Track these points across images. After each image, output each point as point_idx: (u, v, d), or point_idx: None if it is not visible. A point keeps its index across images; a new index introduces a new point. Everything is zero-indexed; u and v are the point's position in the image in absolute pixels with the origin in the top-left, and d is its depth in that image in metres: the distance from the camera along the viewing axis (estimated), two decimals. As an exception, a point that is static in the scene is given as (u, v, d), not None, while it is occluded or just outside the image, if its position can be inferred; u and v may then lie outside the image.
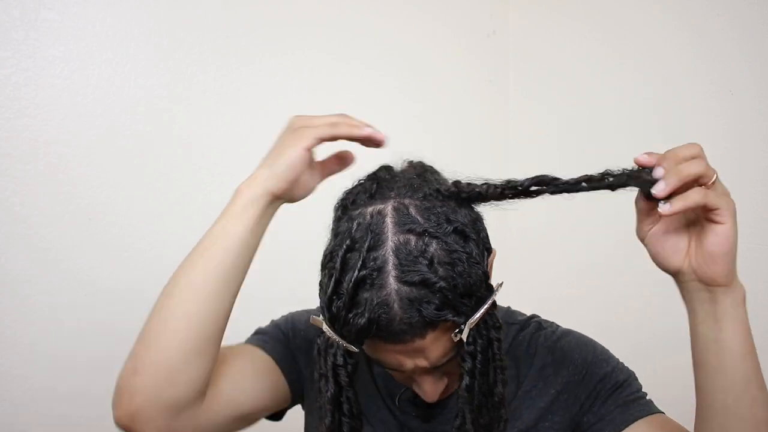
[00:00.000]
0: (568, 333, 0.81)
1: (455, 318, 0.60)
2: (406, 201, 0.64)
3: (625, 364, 0.79)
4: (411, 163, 0.73)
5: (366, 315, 0.60)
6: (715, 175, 0.60)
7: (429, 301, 0.59)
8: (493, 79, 1.68)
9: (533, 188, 0.66)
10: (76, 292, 1.15)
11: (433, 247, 0.61)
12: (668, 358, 1.37)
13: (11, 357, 1.10)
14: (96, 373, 1.18)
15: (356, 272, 0.60)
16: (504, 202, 0.66)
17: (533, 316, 0.84)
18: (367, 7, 1.46)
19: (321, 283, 0.65)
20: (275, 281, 1.28)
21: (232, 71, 1.29)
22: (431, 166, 0.72)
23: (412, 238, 0.61)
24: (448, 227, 0.62)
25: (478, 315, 0.61)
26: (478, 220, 0.66)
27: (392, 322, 0.59)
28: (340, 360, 0.64)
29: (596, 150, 1.53)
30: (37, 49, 1.10)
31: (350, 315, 0.61)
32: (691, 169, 0.60)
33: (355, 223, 0.64)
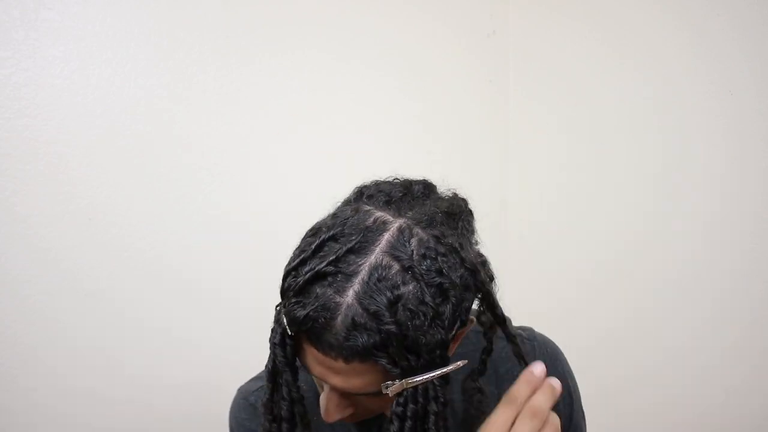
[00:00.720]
0: (554, 357, 0.80)
1: (388, 366, 0.56)
2: (416, 230, 0.60)
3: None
4: (454, 197, 0.68)
5: (307, 309, 0.57)
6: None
7: (370, 335, 0.55)
8: (493, 79, 1.68)
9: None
10: (76, 292, 1.15)
11: (408, 288, 0.56)
12: (668, 364, 1.37)
13: (11, 357, 1.10)
14: (96, 373, 1.18)
15: (324, 264, 0.57)
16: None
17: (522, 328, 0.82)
18: (367, 7, 1.46)
19: (294, 250, 0.62)
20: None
21: (232, 71, 1.29)
22: (470, 214, 0.68)
23: (395, 267, 0.57)
24: (435, 279, 0.57)
25: (417, 379, 0.57)
26: (467, 290, 0.61)
27: (327, 331, 0.56)
28: (278, 338, 0.61)
29: (596, 150, 1.53)
30: (37, 49, 1.10)
31: (294, 300, 0.58)
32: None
33: (355, 218, 0.60)
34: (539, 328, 0.85)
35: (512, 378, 0.73)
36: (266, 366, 0.64)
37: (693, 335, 1.33)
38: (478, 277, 0.61)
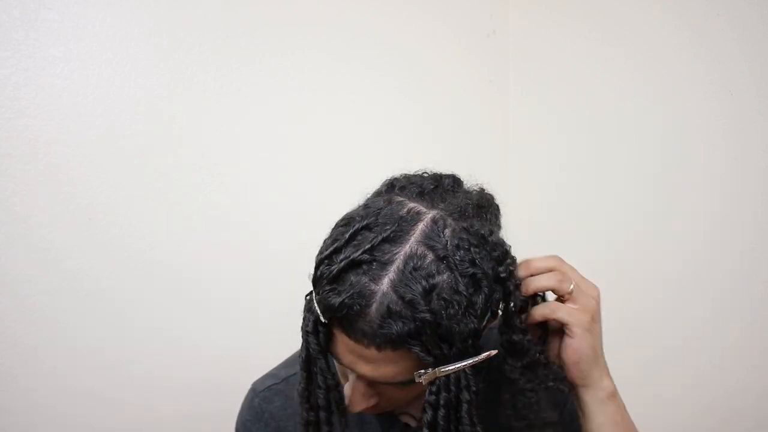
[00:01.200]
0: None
1: (422, 354, 0.57)
2: (449, 220, 0.61)
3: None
4: (481, 192, 0.69)
5: (342, 297, 0.57)
6: (571, 285, 0.62)
7: (405, 322, 0.56)
8: (493, 79, 1.68)
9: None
10: (76, 292, 1.15)
11: (443, 277, 0.57)
12: (669, 362, 1.37)
13: (11, 357, 1.10)
14: (96, 373, 1.18)
15: (359, 252, 0.58)
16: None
17: None
18: (367, 7, 1.46)
19: (325, 239, 0.63)
20: (276, 288, 1.28)
21: (232, 71, 1.29)
22: (498, 208, 0.69)
23: (430, 257, 0.58)
24: (469, 269, 0.58)
25: (451, 367, 0.58)
26: (498, 282, 0.61)
27: (361, 318, 0.57)
28: (310, 326, 0.62)
29: (596, 150, 1.53)
30: (37, 49, 1.10)
31: (329, 287, 0.58)
32: (542, 282, 0.63)
33: (389, 208, 0.61)
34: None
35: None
36: (300, 355, 0.64)
37: (693, 335, 1.33)
38: (508, 269, 0.62)
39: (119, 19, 1.17)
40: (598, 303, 0.65)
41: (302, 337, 0.63)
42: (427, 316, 0.56)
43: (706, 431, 1.32)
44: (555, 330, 0.67)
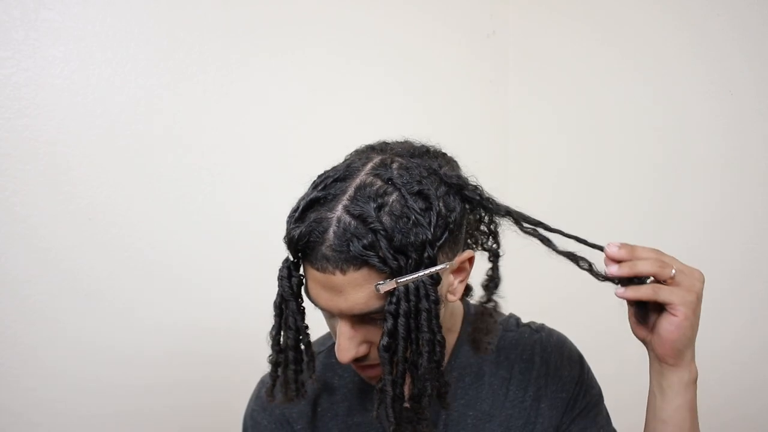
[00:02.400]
0: (561, 345, 0.84)
1: (380, 266, 0.60)
2: (397, 159, 0.66)
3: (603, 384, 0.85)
4: (432, 148, 0.73)
5: (303, 228, 0.62)
6: (673, 271, 0.65)
7: (360, 238, 0.60)
8: (493, 79, 1.68)
9: (524, 225, 0.69)
10: (76, 292, 1.15)
11: (392, 197, 0.62)
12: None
13: (11, 357, 1.10)
14: (96, 373, 1.18)
15: (316, 193, 0.64)
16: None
17: (511, 316, 0.86)
18: (367, 7, 1.46)
19: None
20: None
21: (232, 71, 1.29)
22: (451, 158, 0.73)
23: (378, 183, 0.63)
24: (415, 187, 0.63)
25: (408, 277, 0.61)
26: (450, 209, 0.65)
27: (322, 243, 0.61)
28: (285, 272, 0.67)
29: (596, 150, 1.53)
30: (37, 49, 1.11)
31: (293, 226, 0.64)
32: (642, 267, 0.65)
33: (344, 162, 0.68)
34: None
35: (521, 363, 0.80)
36: (274, 302, 0.69)
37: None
38: (464, 191, 0.66)
39: (119, 19, 1.17)
40: (702, 286, 0.67)
41: (278, 283, 0.68)
42: (379, 226, 0.60)
43: (705, 429, 1.32)
44: (653, 308, 0.69)
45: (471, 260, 0.70)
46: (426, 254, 0.62)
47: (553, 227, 0.70)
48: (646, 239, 1.45)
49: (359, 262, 0.61)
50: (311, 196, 0.64)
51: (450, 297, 0.69)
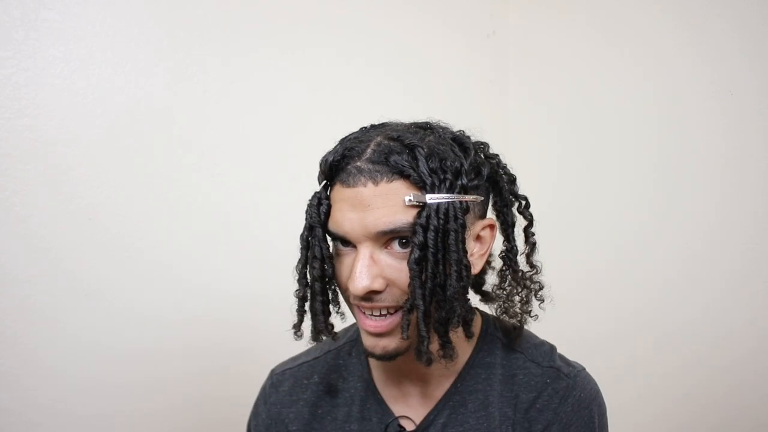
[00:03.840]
0: (589, 402, 0.74)
1: (415, 177, 0.63)
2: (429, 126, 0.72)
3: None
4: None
5: (341, 149, 0.67)
6: None
7: (400, 153, 0.63)
8: (493, 79, 1.68)
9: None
10: (75, 292, 1.15)
11: (431, 137, 0.67)
12: (667, 363, 1.37)
13: (11, 357, 1.10)
14: (96, 373, 1.18)
15: (356, 134, 0.69)
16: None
17: (551, 349, 0.78)
18: (368, 8, 1.46)
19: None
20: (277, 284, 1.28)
21: (232, 71, 1.29)
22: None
23: (415, 128, 0.69)
24: (451, 135, 0.69)
25: (440, 196, 0.63)
26: (482, 164, 0.71)
27: (359, 158, 0.64)
28: (314, 200, 0.69)
29: (596, 149, 1.53)
30: (37, 49, 1.10)
31: (329, 152, 0.68)
32: None
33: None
34: (539, 327, 0.83)
35: (532, 410, 0.73)
36: (300, 235, 0.71)
37: (692, 334, 1.33)
38: (494, 161, 0.74)
39: (119, 19, 1.17)
40: None
41: (306, 215, 0.69)
42: (419, 144, 0.64)
43: (704, 429, 1.32)
44: None
45: (492, 229, 0.72)
46: (459, 181, 0.65)
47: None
48: (646, 239, 1.46)
49: (395, 172, 0.63)
50: (352, 134, 0.69)
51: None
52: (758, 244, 1.24)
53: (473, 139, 0.76)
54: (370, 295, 0.65)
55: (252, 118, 1.32)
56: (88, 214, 1.16)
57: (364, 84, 1.46)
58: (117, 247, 1.18)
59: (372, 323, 0.67)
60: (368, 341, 0.69)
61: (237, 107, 1.30)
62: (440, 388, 0.76)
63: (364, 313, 0.68)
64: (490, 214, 0.77)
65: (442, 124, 0.73)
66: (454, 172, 0.65)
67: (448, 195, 0.63)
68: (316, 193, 0.69)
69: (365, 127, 0.71)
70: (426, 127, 0.70)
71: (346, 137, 0.69)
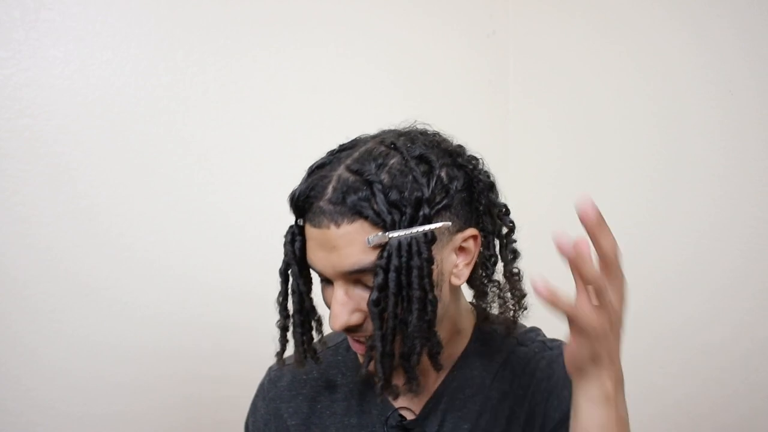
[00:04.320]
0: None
1: (374, 218, 0.61)
2: (403, 136, 0.69)
3: None
4: (437, 131, 0.76)
5: (305, 184, 0.65)
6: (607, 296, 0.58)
7: (357, 191, 0.62)
8: (493, 79, 1.68)
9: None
10: (76, 292, 1.15)
11: (393, 159, 0.64)
12: (668, 362, 1.37)
13: (11, 357, 1.11)
14: (97, 372, 1.18)
15: (324, 158, 0.67)
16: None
17: (534, 330, 0.82)
18: (367, 7, 1.46)
19: None
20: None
21: (232, 71, 1.29)
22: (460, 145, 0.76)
23: (381, 147, 0.66)
24: (416, 151, 0.65)
25: (401, 232, 0.61)
26: (452, 178, 0.67)
27: (321, 198, 0.63)
28: (289, 237, 0.69)
29: (596, 149, 1.53)
30: (37, 50, 1.11)
31: (297, 186, 0.67)
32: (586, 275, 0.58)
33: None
34: (540, 327, 0.84)
35: (522, 378, 0.76)
36: (279, 269, 0.72)
37: (692, 334, 1.33)
38: (470, 167, 0.70)
39: (119, 20, 1.18)
40: (607, 333, 0.59)
41: (283, 248, 0.70)
42: (375, 179, 0.62)
43: (703, 429, 1.32)
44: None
45: (476, 239, 0.69)
46: (421, 212, 0.63)
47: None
48: (646, 239, 1.46)
49: (353, 213, 0.62)
50: (318, 162, 0.67)
51: (454, 280, 0.69)
52: (758, 244, 1.24)
53: (454, 142, 0.74)
54: (350, 328, 0.67)
55: (252, 118, 1.32)
56: (88, 214, 1.16)
57: (364, 83, 1.46)
58: (117, 247, 1.18)
59: (359, 347, 0.70)
60: (360, 359, 0.71)
61: (237, 107, 1.30)
62: (437, 379, 0.77)
63: (352, 337, 0.70)
64: None
65: (415, 133, 0.70)
66: (415, 204, 0.62)
67: (410, 230, 0.62)
68: (290, 227, 0.69)
69: (334, 150, 0.69)
70: (392, 146, 0.66)
71: (313, 167, 0.67)
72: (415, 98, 1.54)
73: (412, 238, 0.62)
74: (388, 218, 0.61)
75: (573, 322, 0.59)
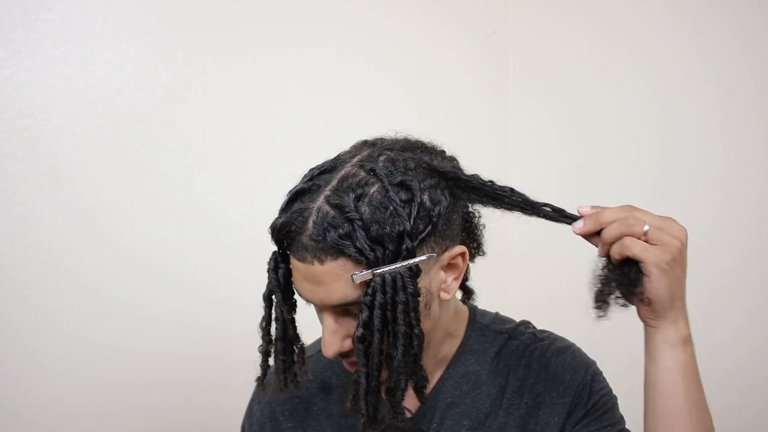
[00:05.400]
0: (564, 350, 0.79)
1: (356, 256, 0.60)
2: (385, 152, 0.66)
3: (610, 385, 0.80)
4: (429, 143, 0.73)
5: (284, 218, 0.63)
6: (644, 228, 0.61)
7: (337, 228, 0.60)
8: (493, 79, 1.68)
9: (501, 193, 0.67)
10: (76, 292, 1.15)
11: (373, 188, 0.62)
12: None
13: (11, 357, 1.11)
14: (97, 372, 1.18)
15: (302, 184, 0.64)
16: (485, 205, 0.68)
17: (523, 323, 0.83)
18: (368, 7, 1.46)
19: None
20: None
21: (232, 71, 1.29)
22: (452, 156, 0.73)
23: (361, 173, 0.63)
24: (398, 178, 0.62)
25: (384, 268, 0.60)
26: (436, 202, 0.64)
27: (302, 233, 0.61)
28: (272, 264, 0.67)
29: (596, 150, 1.53)
30: (37, 50, 1.11)
31: (277, 216, 0.65)
32: (608, 234, 0.63)
33: (337, 155, 0.68)
34: (540, 327, 0.84)
35: (518, 369, 0.77)
36: (263, 294, 0.70)
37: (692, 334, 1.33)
38: (458, 178, 0.65)
39: (119, 20, 1.18)
40: (682, 243, 0.61)
41: (267, 274, 0.68)
42: (356, 216, 0.60)
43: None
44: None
45: (464, 256, 0.68)
46: (404, 246, 0.61)
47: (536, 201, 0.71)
48: (646, 239, 1.45)
49: (336, 251, 0.60)
50: (297, 187, 0.65)
51: (443, 295, 0.68)
52: (758, 244, 1.24)
53: (437, 148, 0.72)
54: (343, 353, 0.67)
55: (252, 118, 1.32)
56: (88, 214, 1.16)
57: (364, 83, 1.46)
58: (117, 247, 1.18)
59: (353, 368, 0.70)
60: (353, 371, 0.71)
61: (237, 107, 1.30)
62: (432, 378, 0.77)
63: (345, 361, 0.70)
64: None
65: (396, 151, 0.67)
66: (398, 239, 0.61)
67: (393, 265, 0.60)
68: (274, 254, 0.67)
69: (314, 172, 0.66)
70: (371, 172, 0.63)
71: (292, 192, 0.65)
72: (415, 98, 1.54)
73: (397, 273, 0.61)
74: (371, 255, 0.60)
75: (641, 262, 0.61)
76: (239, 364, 1.24)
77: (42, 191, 1.11)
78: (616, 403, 0.79)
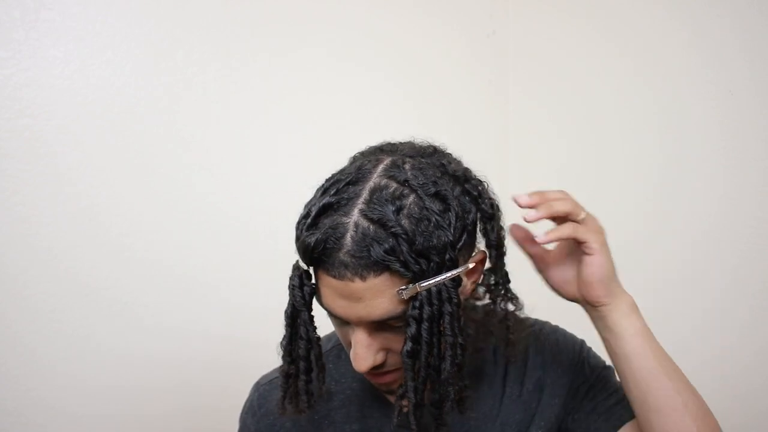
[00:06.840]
0: (554, 332, 0.83)
1: (402, 270, 0.59)
2: (407, 159, 0.65)
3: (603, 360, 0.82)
4: (433, 146, 0.73)
5: (318, 234, 0.60)
6: (583, 213, 0.67)
7: (381, 242, 0.58)
8: (493, 79, 1.68)
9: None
10: (76, 292, 1.15)
11: (409, 199, 0.61)
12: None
13: (11, 357, 1.11)
14: (97, 372, 1.18)
15: (328, 197, 0.61)
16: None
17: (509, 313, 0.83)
18: (367, 7, 1.46)
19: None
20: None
21: (232, 71, 1.29)
22: (457, 158, 0.73)
23: (393, 184, 0.62)
24: (432, 189, 0.62)
25: (431, 281, 0.60)
26: (467, 211, 0.65)
27: (339, 249, 0.59)
28: (296, 281, 0.64)
29: (596, 150, 1.53)
30: (37, 50, 1.11)
31: (307, 233, 0.61)
32: (560, 206, 0.66)
33: (353, 164, 0.66)
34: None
35: (528, 361, 0.79)
36: (285, 311, 0.67)
37: (692, 335, 1.33)
38: (476, 193, 0.66)
39: (119, 20, 1.18)
40: (604, 231, 0.68)
41: (289, 292, 0.65)
42: (399, 230, 0.58)
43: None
44: (573, 255, 0.71)
45: (483, 261, 0.69)
46: (448, 257, 0.61)
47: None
48: (647, 239, 1.46)
49: (380, 267, 0.59)
50: (323, 201, 0.61)
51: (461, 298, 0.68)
52: (758, 244, 1.24)
53: (453, 156, 0.71)
54: (374, 368, 0.66)
55: (252, 118, 1.32)
56: (88, 214, 1.16)
57: (364, 84, 1.46)
58: (117, 247, 1.18)
59: (380, 380, 0.69)
60: (377, 382, 0.70)
61: (237, 107, 1.30)
62: None
63: (373, 373, 0.68)
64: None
65: (417, 158, 0.66)
66: (441, 250, 0.60)
67: (439, 277, 0.60)
68: (296, 270, 0.65)
69: (337, 182, 0.63)
70: (405, 183, 0.62)
71: (318, 207, 0.61)
72: (415, 98, 1.54)
73: (442, 285, 0.61)
74: (417, 268, 0.59)
75: (583, 241, 0.66)
76: (239, 365, 1.24)
77: (42, 191, 1.11)
78: (613, 371, 0.80)
